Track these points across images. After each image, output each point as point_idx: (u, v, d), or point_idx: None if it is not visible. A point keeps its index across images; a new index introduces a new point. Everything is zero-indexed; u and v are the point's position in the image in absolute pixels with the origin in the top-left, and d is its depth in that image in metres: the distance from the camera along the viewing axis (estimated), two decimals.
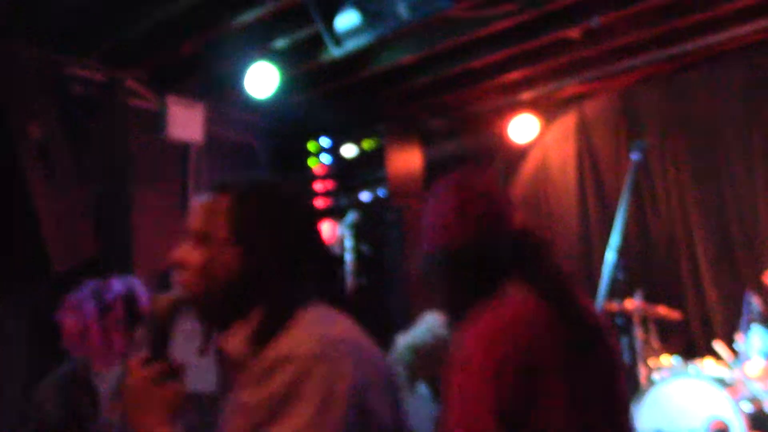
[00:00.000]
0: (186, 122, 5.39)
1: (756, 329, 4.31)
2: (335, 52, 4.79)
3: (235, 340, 1.42)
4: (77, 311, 2.69)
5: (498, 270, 1.75)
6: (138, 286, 2.82)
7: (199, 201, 1.51)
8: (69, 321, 2.70)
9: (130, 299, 2.74)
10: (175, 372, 1.42)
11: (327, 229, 5.71)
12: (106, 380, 2.71)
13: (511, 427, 1.53)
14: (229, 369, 1.46)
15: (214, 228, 1.45)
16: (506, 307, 1.68)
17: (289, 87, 5.34)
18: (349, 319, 1.45)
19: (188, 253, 1.46)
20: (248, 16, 4.56)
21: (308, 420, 1.26)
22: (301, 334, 1.35)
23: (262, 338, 1.37)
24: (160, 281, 5.03)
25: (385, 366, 1.49)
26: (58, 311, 2.74)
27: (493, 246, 1.77)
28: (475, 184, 1.86)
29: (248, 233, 1.43)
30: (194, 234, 1.47)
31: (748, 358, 4.29)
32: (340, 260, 5.11)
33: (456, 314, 1.75)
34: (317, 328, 1.37)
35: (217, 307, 1.45)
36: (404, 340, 3.03)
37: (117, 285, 2.76)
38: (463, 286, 1.79)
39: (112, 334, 2.68)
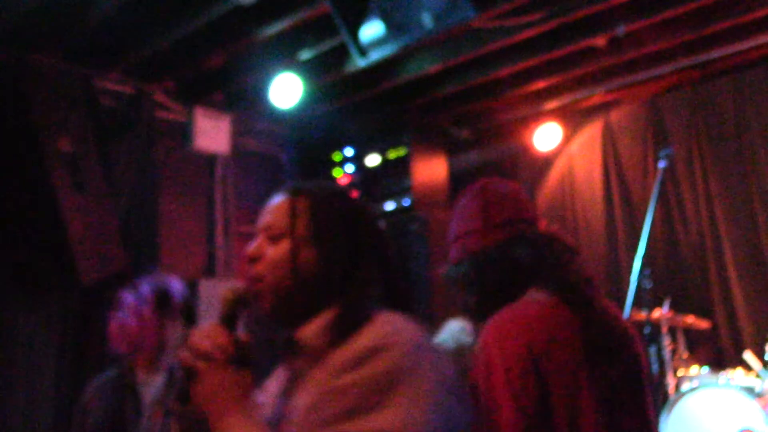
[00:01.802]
0: (213, 134, 5.45)
1: None
2: (360, 62, 4.81)
3: (312, 331, 1.43)
4: (119, 310, 2.76)
5: (523, 276, 1.75)
6: (170, 279, 2.89)
7: (276, 201, 1.55)
8: (113, 321, 2.76)
9: (161, 290, 2.80)
10: (245, 358, 1.43)
11: None
12: (150, 387, 2.75)
13: (535, 421, 1.54)
14: (299, 360, 1.46)
15: (292, 226, 1.48)
16: (523, 309, 1.69)
17: (314, 98, 5.37)
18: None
19: (264, 248, 1.50)
20: (274, 29, 4.60)
21: (424, 406, 1.27)
22: (387, 327, 1.37)
23: (344, 330, 1.38)
24: (187, 297, 5.07)
25: None
26: (92, 322, 2.81)
27: (517, 252, 1.77)
28: (499, 191, 1.87)
29: (326, 233, 1.48)
30: (271, 231, 1.51)
31: None
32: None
33: (482, 321, 1.76)
34: (403, 324, 1.39)
35: (288, 302, 1.47)
36: None
37: (150, 279, 2.83)
38: (488, 293, 1.80)
39: (146, 323, 2.73)
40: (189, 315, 2.82)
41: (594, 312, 1.73)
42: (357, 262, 1.47)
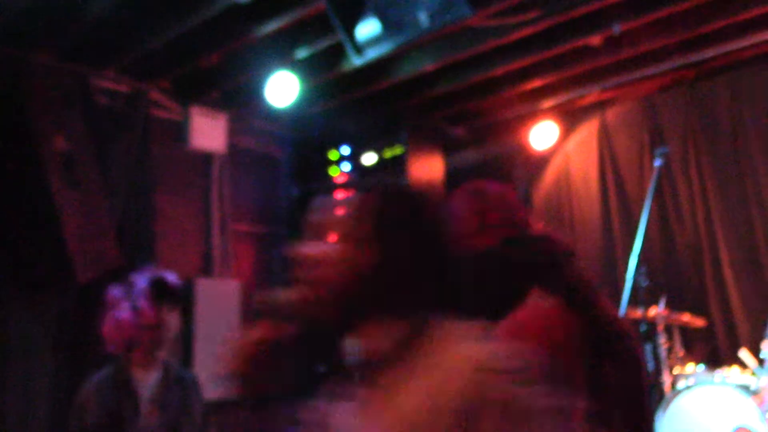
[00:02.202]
0: (209, 132, 5.45)
1: None
2: (356, 61, 4.81)
3: (379, 339, 1.34)
4: (110, 306, 2.75)
5: (520, 278, 1.74)
6: (165, 272, 2.88)
7: (337, 200, 1.46)
8: (105, 318, 2.75)
9: (157, 281, 2.79)
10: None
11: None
12: (146, 384, 2.75)
13: None
14: (364, 369, 1.37)
15: (354, 226, 1.38)
16: (525, 311, 1.69)
17: (310, 96, 5.38)
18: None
19: (322, 248, 1.40)
20: (270, 27, 4.60)
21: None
22: (465, 343, 1.28)
23: (416, 339, 1.30)
24: (184, 289, 5.07)
25: None
26: (88, 320, 2.80)
27: (513, 254, 1.77)
28: (493, 194, 1.86)
29: (391, 234, 1.37)
30: (329, 231, 1.41)
31: None
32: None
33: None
34: (480, 341, 1.29)
35: (351, 309, 1.36)
36: None
37: (143, 273, 2.83)
38: (486, 296, 1.79)
39: (143, 315, 2.72)
40: (184, 305, 2.82)
41: (597, 315, 1.73)
42: (422, 266, 1.36)
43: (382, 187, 1.44)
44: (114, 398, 2.73)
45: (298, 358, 1.44)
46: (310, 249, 1.40)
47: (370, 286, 1.34)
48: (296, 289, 1.40)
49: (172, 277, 2.87)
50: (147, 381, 2.75)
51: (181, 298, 2.89)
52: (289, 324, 1.42)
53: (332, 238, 1.39)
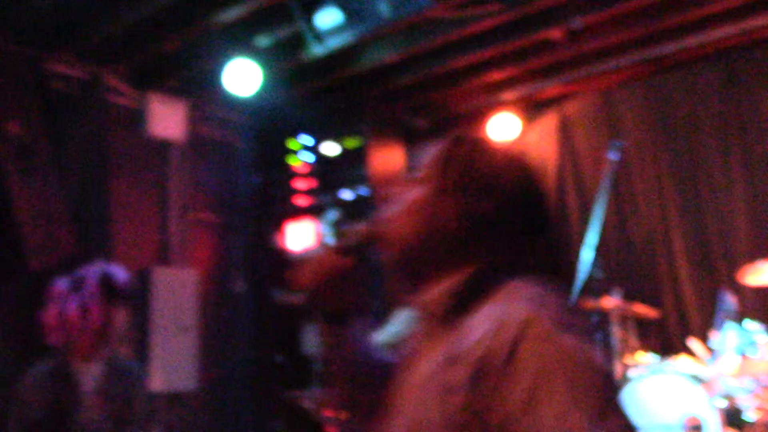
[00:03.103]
0: (167, 120, 5.38)
1: (730, 327, 4.36)
2: (317, 50, 4.81)
3: (435, 294, 1.29)
4: (55, 299, 2.70)
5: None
6: (113, 267, 2.83)
7: (430, 148, 1.40)
8: (48, 311, 2.70)
9: (105, 276, 2.75)
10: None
11: (307, 227, 5.72)
12: (88, 376, 2.72)
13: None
14: (422, 324, 1.34)
15: (439, 173, 1.33)
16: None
17: (271, 85, 5.34)
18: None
19: (405, 189, 1.35)
20: (230, 14, 4.56)
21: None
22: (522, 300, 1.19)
23: (469, 296, 1.25)
24: (140, 278, 5.02)
25: None
26: (40, 308, 2.74)
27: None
28: None
29: (474, 186, 1.30)
30: (416, 174, 1.36)
31: (722, 355, 4.33)
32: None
33: None
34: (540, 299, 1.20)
35: (416, 254, 1.32)
36: (380, 336, 3.05)
37: (90, 267, 2.77)
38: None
39: (90, 311, 2.68)
40: (134, 302, 2.78)
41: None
42: (501, 223, 1.29)
43: (477, 139, 1.39)
44: (55, 391, 2.68)
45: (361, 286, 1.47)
46: (393, 187, 1.38)
47: (439, 238, 1.29)
48: (374, 226, 1.40)
49: (121, 274, 2.82)
50: (89, 373, 2.71)
51: (131, 296, 2.85)
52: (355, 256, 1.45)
53: (418, 181, 1.35)
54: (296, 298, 1.47)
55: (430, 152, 1.38)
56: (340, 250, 1.43)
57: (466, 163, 1.33)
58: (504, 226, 1.29)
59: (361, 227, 1.40)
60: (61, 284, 2.72)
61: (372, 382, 1.46)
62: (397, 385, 1.33)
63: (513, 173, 1.34)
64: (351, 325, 1.49)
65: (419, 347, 1.33)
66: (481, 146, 1.37)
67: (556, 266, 1.35)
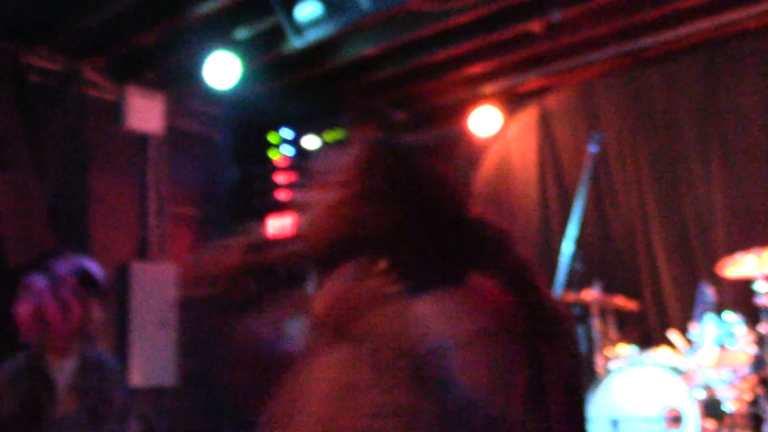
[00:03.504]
0: (145, 113, 5.33)
1: (709, 319, 4.40)
2: (296, 42, 4.78)
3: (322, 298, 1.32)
4: (30, 295, 2.65)
5: (458, 260, 1.74)
6: (88, 261, 2.79)
7: (335, 151, 1.43)
8: (24, 307, 2.66)
9: (81, 271, 2.71)
10: None
11: (288, 221, 5.69)
12: (62, 372, 2.68)
13: None
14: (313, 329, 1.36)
15: (361, 176, 1.35)
16: (466, 291, 1.69)
17: (250, 78, 5.31)
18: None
19: (323, 191, 1.38)
20: (209, 6, 4.52)
21: None
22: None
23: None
24: (118, 273, 4.98)
25: None
26: (14, 304, 2.70)
27: (457, 233, 1.76)
28: (435, 174, 1.86)
29: (395, 190, 1.35)
30: (335, 178, 1.38)
31: (701, 347, 4.37)
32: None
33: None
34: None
35: (329, 256, 1.34)
36: None
37: (65, 262, 2.73)
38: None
39: (69, 307, 2.65)
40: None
41: (535, 297, 1.74)
42: (416, 228, 1.34)
43: (382, 141, 1.42)
44: (29, 387, 2.65)
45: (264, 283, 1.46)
46: (310, 194, 1.40)
47: (347, 238, 1.32)
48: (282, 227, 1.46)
49: (95, 268, 2.78)
50: (63, 368, 2.68)
51: (107, 291, 2.82)
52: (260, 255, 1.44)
53: (333, 186, 1.37)
54: (202, 291, 1.50)
55: (346, 155, 1.40)
56: (247, 247, 1.43)
57: (387, 168, 1.36)
58: (418, 231, 1.34)
59: (266, 227, 1.49)
60: (37, 280, 2.68)
61: (268, 372, 1.46)
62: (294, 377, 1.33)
63: (432, 180, 1.39)
64: (251, 316, 1.49)
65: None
66: (402, 151, 1.40)
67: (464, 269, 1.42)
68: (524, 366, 1.57)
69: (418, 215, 1.35)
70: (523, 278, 1.72)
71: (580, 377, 1.79)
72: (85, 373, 2.69)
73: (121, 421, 2.72)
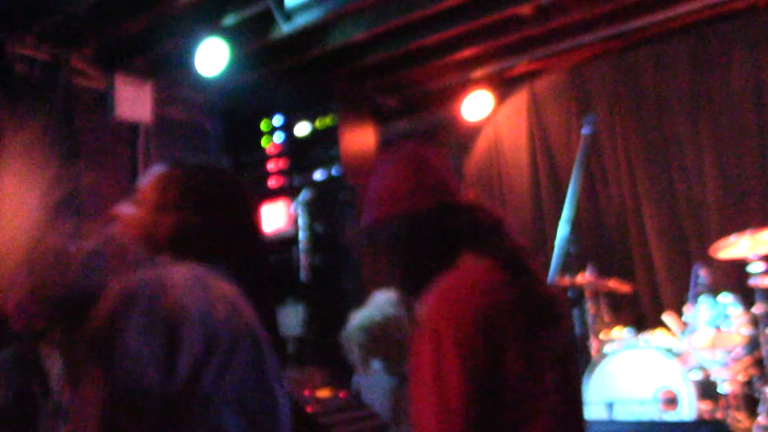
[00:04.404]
0: (134, 102, 5.28)
1: (703, 300, 4.41)
2: (285, 28, 4.74)
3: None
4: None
5: (454, 242, 1.73)
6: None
7: (151, 171, 1.70)
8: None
9: None
10: None
11: (280, 208, 5.67)
12: (56, 361, 2.65)
13: (477, 394, 1.53)
14: None
15: (158, 193, 1.65)
16: (465, 273, 1.68)
17: (240, 65, 5.26)
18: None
19: (127, 209, 1.67)
20: None
21: None
22: None
23: None
24: None
25: None
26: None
27: (450, 216, 1.75)
28: (429, 155, 1.85)
29: (188, 202, 1.62)
30: (135, 197, 1.68)
31: (696, 329, 4.39)
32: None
33: (410, 287, 1.74)
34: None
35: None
36: (355, 320, 3.03)
37: None
38: (418, 257, 1.77)
39: None
40: None
41: (531, 279, 1.74)
42: (208, 232, 1.60)
43: (188, 163, 1.69)
44: (21, 377, 2.62)
45: None
46: (120, 208, 1.67)
47: (159, 247, 1.57)
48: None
49: None
50: (56, 358, 2.65)
51: None
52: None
53: (138, 202, 1.66)
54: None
55: (151, 175, 1.69)
56: None
57: (181, 184, 1.63)
58: (211, 235, 1.60)
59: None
60: None
61: None
62: None
63: (221, 192, 1.67)
64: None
65: None
66: (195, 170, 1.68)
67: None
68: (517, 340, 1.57)
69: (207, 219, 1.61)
70: (516, 260, 1.72)
71: (574, 355, 1.79)
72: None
73: None
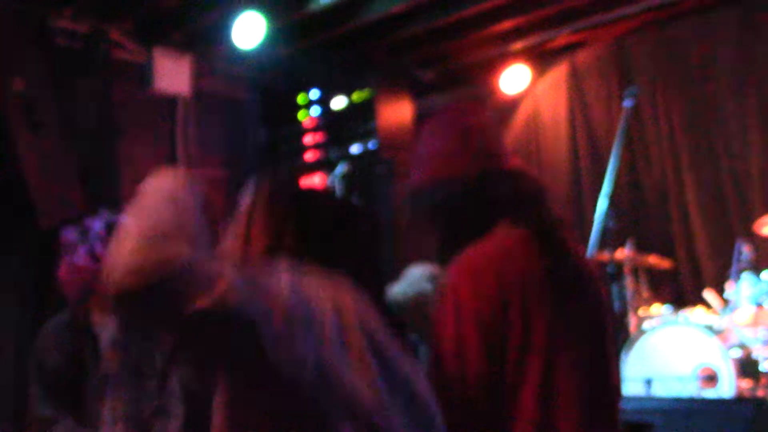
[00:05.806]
0: (173, 75, 5.32)
1: (746, 277, 4.34)
2: (323, 0, 4.72)
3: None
4: (65, 250, 2.66)
5: (497, 209, 1.71)
6: (120, 216, 2.79)
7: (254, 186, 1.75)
8: (62, 264, 2.67)
9: (114, 226, 2.70)
10: None
11: (316, 182, 5.68)
12: (106, 328, 2.70)
13: (493, 360, 1.53)
14: None
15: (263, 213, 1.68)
16: (495, 243, 1.67)
17: (277, 38, 5.26)
18: None
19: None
20: None
21: None
22: None
23: None
24: None
25: None
26: (53, 265, 2.72)
27: (492, 184, 1.73)
28: (479, 120, 1.82)
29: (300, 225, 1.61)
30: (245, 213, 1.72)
31: (737, 306, 4.32)
32: None
33: (445, 254, 1.73)
34: None
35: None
36: (389, 295, 3.02)
37: (97, 218, 2.74)
38: (455, 224, 1.76)
39: (99, 257, 2.65)
40: None
41: (563, 251, 1.72)
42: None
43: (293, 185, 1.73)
44: (73, 343, 2.67)
45: None
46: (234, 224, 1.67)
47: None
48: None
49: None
50: (106, 324, 2.69)
51: None
52: None
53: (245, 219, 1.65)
54: None
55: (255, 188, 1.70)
56: None
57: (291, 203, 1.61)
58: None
59: None
60: (69, 234, 2.69)
61: None
62: None
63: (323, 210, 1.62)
64: None
65: None
66: (300, 190, 1.69)
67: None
68: (543, 312, 1.56)
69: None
70: (551, 232, 1.69)
71: (610, 336, 1.76)
72: (127, 329, 2.70)
73: (164, 378, 2.72)
